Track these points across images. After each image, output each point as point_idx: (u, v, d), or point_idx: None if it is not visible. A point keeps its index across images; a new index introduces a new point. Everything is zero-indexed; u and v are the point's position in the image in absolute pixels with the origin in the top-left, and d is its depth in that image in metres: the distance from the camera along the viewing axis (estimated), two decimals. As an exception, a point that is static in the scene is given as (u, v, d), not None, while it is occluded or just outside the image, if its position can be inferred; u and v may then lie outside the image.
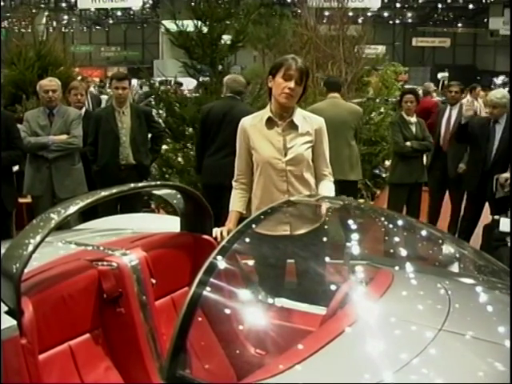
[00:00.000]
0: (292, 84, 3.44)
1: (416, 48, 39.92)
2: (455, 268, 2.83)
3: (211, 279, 2.30)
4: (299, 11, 12.87)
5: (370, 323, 2.25)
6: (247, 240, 2.66)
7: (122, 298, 2.90)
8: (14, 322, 2.40)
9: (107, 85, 19.74)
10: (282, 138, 3.55)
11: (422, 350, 2.00)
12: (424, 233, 2.99)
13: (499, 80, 34.65)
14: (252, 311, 2.93)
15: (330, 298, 2.59)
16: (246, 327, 2.94)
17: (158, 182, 3.62)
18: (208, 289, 2.30)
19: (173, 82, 10.29)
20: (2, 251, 2.55)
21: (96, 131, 6.17)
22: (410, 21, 41.45)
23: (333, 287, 2.71)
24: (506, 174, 5.87)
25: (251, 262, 3.37)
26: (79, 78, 9.20)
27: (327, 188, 3.61)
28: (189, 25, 7.27)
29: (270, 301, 3.30)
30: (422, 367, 1.97)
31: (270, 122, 3.58)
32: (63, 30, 31.66)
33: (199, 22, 7.10)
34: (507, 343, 2.02)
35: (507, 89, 24.25)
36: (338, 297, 2.52)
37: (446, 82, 20.95)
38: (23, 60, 7.80)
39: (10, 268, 2.44)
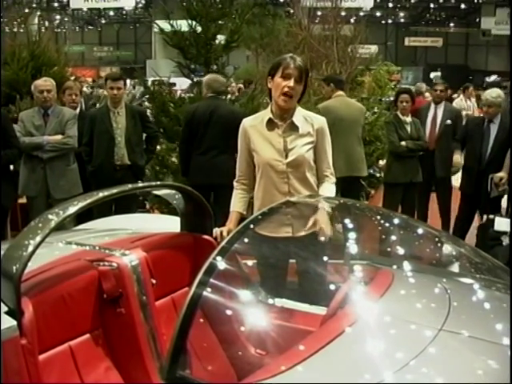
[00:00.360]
0: (291, 83, 3.42)
1: (408, 48, 39.99)
2: (455, 267, 2.84)
3: (211, 279, 2.30)
4: (292, 11, 12.89)
5: (370, 323, 2.25)
6: (247, 240, 2.66)
7: (122, 298, 2.90)
8: (14, 323, 2.40)
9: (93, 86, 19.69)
10: (282, 139, 3.54)
11: (422, 350, 2.00)
12: (424, 232, 3.00)
13: (491, 79, 34.74)
14: (252, 311, 2.94)
15: (330, 298, 2.58)
16: (247, 327, 2.93)
17: (159, 182, 3.61)
18: (208, 289, 2.30)
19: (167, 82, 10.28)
20: (2, 252, 2.55)
21: (91, 131, 6.15)
22: (402, 20, 41.52)
23: (333, 287, 2.72)
24: (501, 174, 5.88)
25: (251, 263, 3.37)
26: (73, 78, 9.16)
27: (328, 190, 3.60)
28: (182, 25, 7.26)
29: (270, 301, 3.30)
30: (422, 367, 1.96)
31: (270, 124, 3.56)
32: (55, 30, 31.52)
33: (193, 22, 7.09)
34: (507, 343, 2.03)
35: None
36: (339, 297, 2.51)
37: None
38: (17, 60, 7.78)
39: (10, 268, 2.43)
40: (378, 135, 9.55)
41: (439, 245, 2.95)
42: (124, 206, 5.70)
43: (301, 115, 3.59)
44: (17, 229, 6.04)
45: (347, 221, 3.07)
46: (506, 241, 5.37)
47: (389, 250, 2.91)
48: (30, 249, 2.47)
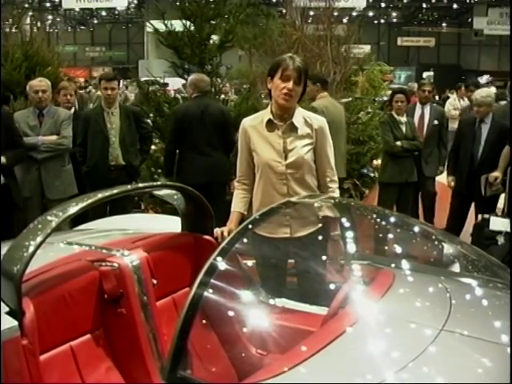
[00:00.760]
0: (290, 85, 3.41)
1: (401, 48, 40.02)
2: (456, 267, 2.84)
3: (212, 280, 2.30)
4: (284, 11, 12.86)
5: (371, 323, 2.25)
6: (248, 241, 2.66)
7: (123, 298, 2.90)
8: (15, 323, 2.40)
9: (91, 85, 19.60)
10: (282, 140, 3.54)
11: (423, 350, 2.00)
12: (425, 232, 3.01)
13: (483, 79, 34.83)
14: (253, 312, 2.95)
15: (331, 298, 2.59)
16: (247, 328, 2.94)
17: (160, 183, 3.60)
18: (209, 290, 2.30)
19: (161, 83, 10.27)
20: (3, 252, 2.55)
21: (85, 132, 6.14)
22: (394, 20, 41.59)
23: (334, 287, 2.73)
24: (496, 173, 5.90)
25: (252, 263, 3.37)
26: (66, 78, 9.12)
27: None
28: (176, 25, 7.24)
29: (271, 301, 3.30)
30: (423, 367, 1.96)
31: (270, 124, 3.56)
32: (47, 30, 31.40)
33: (188, 22, 7.08)
34: (508, 343, 2.03)
35: (493, 88, 24.42)
36: (339, 297, 2.52)
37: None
38: (10, 60, 7.74)
39: (11, 269, 2.44)
40: (372, 135, 9.58)
41: (440, 244, 2.95)
42: (119, 206, 5.69)
43: (301, 116, 3.58)
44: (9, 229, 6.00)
45: (347, 221, 3.07)
46: (501, 240, 5.39)
47: (389, 249, 2.91)
48: (31, 249, 2.47)
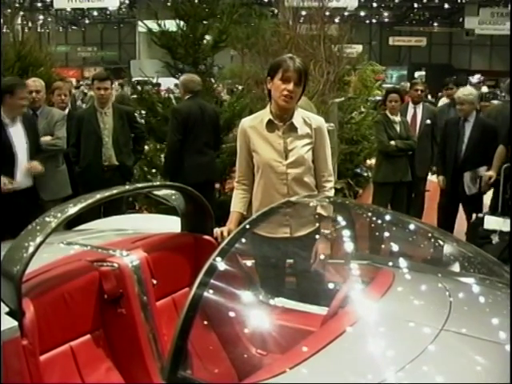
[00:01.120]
0: (291, 86, 3.42)
1: (392, 47, 40.13)
2: (456, 267, 2.85)
3: (212, 280, 2.30)
4: (276, 11, 12.83)
5: (371, 323, 2.25)
6: (248, 241, 2.67)
7: (122, 298, 2.91)
8: (15, 323, 2.40)
9: (83, 86, 19.54)
10: (282, 140, 3.54)
11: (423, 350, 2.01)
12: (423, 231, 3.01)
13: (475, 79, 34.98)
14: (253, 312, 2.96)
15: (331, 298, 2.59)
16: (247, 328, 2.94)
17: (159, 183, 3.60)
18: (208, 290, 2.30)
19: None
20: (3, 253, 2.55)
21: (78, 132, 6.12)
22: (386, 20, 41.69)
23: (334, 287, 2.73)
24: (491, 173, 5.92)
25: (252, 263, 3.37)
26: (60, 78, 9.08)
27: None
28: (168, 24, 7.23)
29: (271, 301, 3.30)
30: (424, 367, 1.97)
31: (270, 125, 3.56)
32: (39, 30, 31.31)
33: (181, 22, 7.06)
34: (507, 343, 2.03)
35: (485, 88, 24.53)
36: (339, 297, 2.53)
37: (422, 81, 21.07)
38: (3, 60, 7.70)
39: (11, 269, 2.44)
40: (366, 135, 9.59)
41: (439, 243, 2.95)
42: (114, 207, 5.67)
43: (300, 116, 3.58)
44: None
45: (347, 220, 3.07)
46: (495, 239, 5.42)
47: (389, 249, 2.91)
48: (31, 250, 2.47)
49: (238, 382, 2.63)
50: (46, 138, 5.80)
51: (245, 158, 3.67)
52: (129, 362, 2.92)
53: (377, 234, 3.08)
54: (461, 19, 33.87)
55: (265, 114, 3.60)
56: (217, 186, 6.99)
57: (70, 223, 4.61)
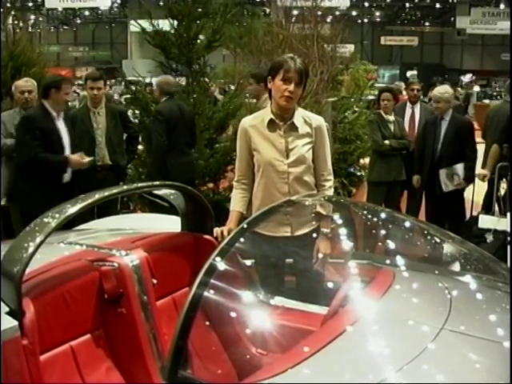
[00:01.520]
0: (292, 87, 3.43)
1: (384, 47, 40.22)
2: (456, 265, 2.85)
3: (212, 280, 2.30)
4: (268, 10, 12.82)
5: (371, 322, 2.26)
6: (248, 240, 2.67)
7: (123, 298, 2.90)
8: (15, 323, 2.40)
9: (75, 86, 19.46)
10: (283, 139, 3.56)
11: (424, 349, 2.01)
12: (423, 230, 3.01)
13: (466, 78, 35.12)
14: (253, 311, 2.96)
15: (331, 297, 2.60)
16: (247, 327, 2.94)
17: (159, 182, 3.59)
18: (208, 289, 2.31)
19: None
20: (3, 252, 2.55)
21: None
22: (378, 20, 41.78)
23: (334, 286, 2.73)
24: (485, 172, 5.95)
25: (252, 262, 3.36)
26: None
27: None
28: (161, 24, 7.20)
29: (271, 301, 3.30)
30: (424, 366, 1.97)
31: (271, 124, 3.57)
32: (30, 29, 31.20)
33: (175, 22, 7.04)
34: (507, 342, 2.04)
35: (477, 87, 24.61)
36: (340, 296, 2.53)
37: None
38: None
39: (11, 269, 2.44)
40: (359, 134, 9.60)
41: (441, 244, 2.96)
42: (108, 207, 5.65)
43: (300, 116, 3.60)
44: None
45: (347, 220, 3.07)
46: (489, 238, 5.44)
47: (389, 248, 2.91)
48: (31, 249, 2.47)
49: (239, 382, 2.63)
50: None
51: (245, 158, 3.67)
52: (129, 361, 2.92)
53: (377, 233, 3.08)
54: (452, 19, 34.03)
55: (266, 114, 3.61)
56: (211, 185, 6.98)
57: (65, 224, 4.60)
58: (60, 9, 34.29)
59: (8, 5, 28.93)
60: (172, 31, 7.00)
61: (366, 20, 41.93)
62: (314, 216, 3.44)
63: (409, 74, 34.27)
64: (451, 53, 41.10)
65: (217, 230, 3.44)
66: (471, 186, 6.22)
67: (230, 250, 2.45)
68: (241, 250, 2.69)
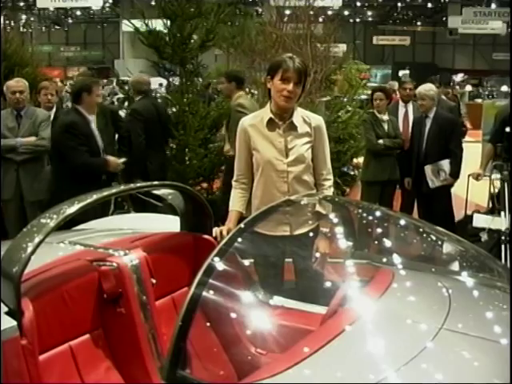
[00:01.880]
0: (290, 87, 3.43)
1: (376, 46, 40.26)
2: (455, 264, 2.86)
3: (210, 280, 2.30)
4: (260, 10, 12.82)
5: (370, 322, 2.26)
6: (247, 240, 2.67)
7: (122, 298, 2.90)
8: (15, 323, 2.40)
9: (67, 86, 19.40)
10: (283, 139, 3.56)
11: (423, 349, 2.01)
12: (422, 230, 3.01)
13: (458, 77, 35.22)
14: (252, 311, 2.96)
15: (331, 296, 2.60)
16: (247, 327, 2.95)
17: (158, 182, 3.59)
18: (207, 289, 2.31)
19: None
20: (2, 252, 2.54)
21: None
22: (370, 19, 41.82)
23: (333, 286, 2.72)
24: (480, 171, 5.96)
25: (251, 262, 3.36)
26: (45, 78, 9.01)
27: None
28: (154, 23, 7.18)
29: (270, 300, 3.30)
30: (423, 366, 1.97)
31: (271, 123, 3.57)
32: (21, 29, 31.08)
33: (168, 21, 7.02)
34: (507, 342, 2.04)
35: (469, 86, 24.68)
36: (339, 296, 2.54)
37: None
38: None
39: (10, 269, 2.44)
40: (352, 133, 9.60)
41: (440, 244, 2.96)
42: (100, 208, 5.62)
43: (299, 115, 3.61)
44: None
45: (346, 219, 3.07)
46: (484, 237, 5.45)
47: (388, 248, 2.90)
48: (30, 249, 2.47)
49: (238, 382, 2.63)
50: (30, 139, 5.75)
51: (244, 157, 3.67)
52: (128, 361, 2.92)
53: (376, 232, 3.08)
54: (444, 18, 34.08)
55: (265, 113, 3.61)
56: (205, 185, 6.98)
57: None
58: (51, 8, 34.18)
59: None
60: (165, 31, 6.98)
61: (358, 20, 41.96)
62: (314, 215, 3.45)
63: (401, 73, 34.33)
64: (443, 52, 41.16)
65: (216, 230, 3.43)
66: (465, 185, 6.22)
67: (229, 250, 2.45)
68: (239, 249, 2.69)
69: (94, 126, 5.51)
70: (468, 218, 5.83)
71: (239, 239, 2.53)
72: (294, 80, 3.43)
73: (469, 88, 24.01)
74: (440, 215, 6.20)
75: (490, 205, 6.16)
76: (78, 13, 40.05)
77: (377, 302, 2.34)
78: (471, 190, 6.10)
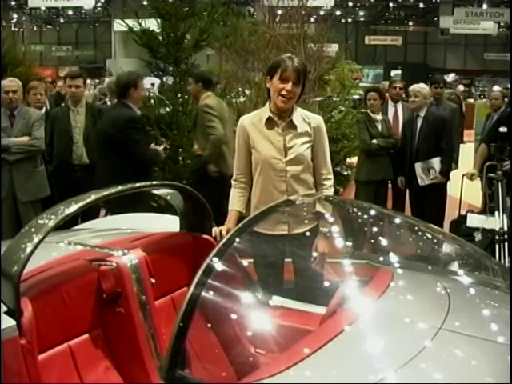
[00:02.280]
0: (289, 86, 3.43)
1: (368, 46, 40.30)
2: (455, 266, 2.86)
3: (209, 280, 2.30)
4: (252, 10, 12.80)
5: (369, 322, 2.26)
6: (246, 239, 2.68)
7: (121, 297, 2.90)
8: (14, 323, 2.40)
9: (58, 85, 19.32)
10: (282, 138, 3.55)
11: (422, 349, 2.01)
12: (421, 230, 3.02)
13: (450, 77, 35.30)
14: (251, 311, 2.96)
15: (330, 296, 2.60)
16: (246, 327, 2.95)
17: (157, 182, 3.59)
18: (206, 289, 2.31)
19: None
20: (2, 252, 2.54)
21: (51, 131, 6.09)
22: (362, 19, 41.89)
23: (332, 286, 2.72)
24: (473, 171, 5.96)
25: (250, 262, 3.36)
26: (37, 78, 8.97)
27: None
28: (147, 23, 7.17)
29: (269, 300, 3.30)
30: (422, 366, 1.97)
31: (270, 122, 3.57)
32: (13, 29, 30.98)
33: (162, 21, 7.01)
34: (507, 342, 2.04)
35: (461, 86, 24.74)
36: (338, 296, 2.54)
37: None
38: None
39: (10, 268, 2.43)
40: (346, 133, 9.61)
41: (437, 241, 2.97)
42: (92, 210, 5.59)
43: (299, 115, 3.61)
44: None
45: (345, 219, 3.07)
46: (478, 237, 5.45)
47: (388, 248, 2.91)
48: (29, 249, 2.47)
49: (237, 382, 2.62)
50: (23, 139, 5.72)
51: (243, 156, 3.66)
52: (127, 361, 2.91)
53: (375, 232, 3.08)
54: (436, 18, 34.16)
55: (264, 112, 3.61)
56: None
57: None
58: (43, 8, 34.09)
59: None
60: (158, 31, 6.97)
61: (349, 20, 42.02)
62: (313, 215, 3.45)
63: (393, 73, 34.41)
64: (435, 52, 41.23)
65: (215, 230, 3.44)
66: (459, 185, 6.22)
67: (229, 250, 2.44)
68: (238, 249, 2.70)
69: None
70: (462, 218, 5.82)
71: (238, 239, 2.53)
72: (293, 80, 3.43)
73: (461, 88, 24.06)
74: (430, 214, 6.22)
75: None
76: (70, 12, 39.97)
77: (376, 302, 2.34)
78: (465, 190, 6.10)
